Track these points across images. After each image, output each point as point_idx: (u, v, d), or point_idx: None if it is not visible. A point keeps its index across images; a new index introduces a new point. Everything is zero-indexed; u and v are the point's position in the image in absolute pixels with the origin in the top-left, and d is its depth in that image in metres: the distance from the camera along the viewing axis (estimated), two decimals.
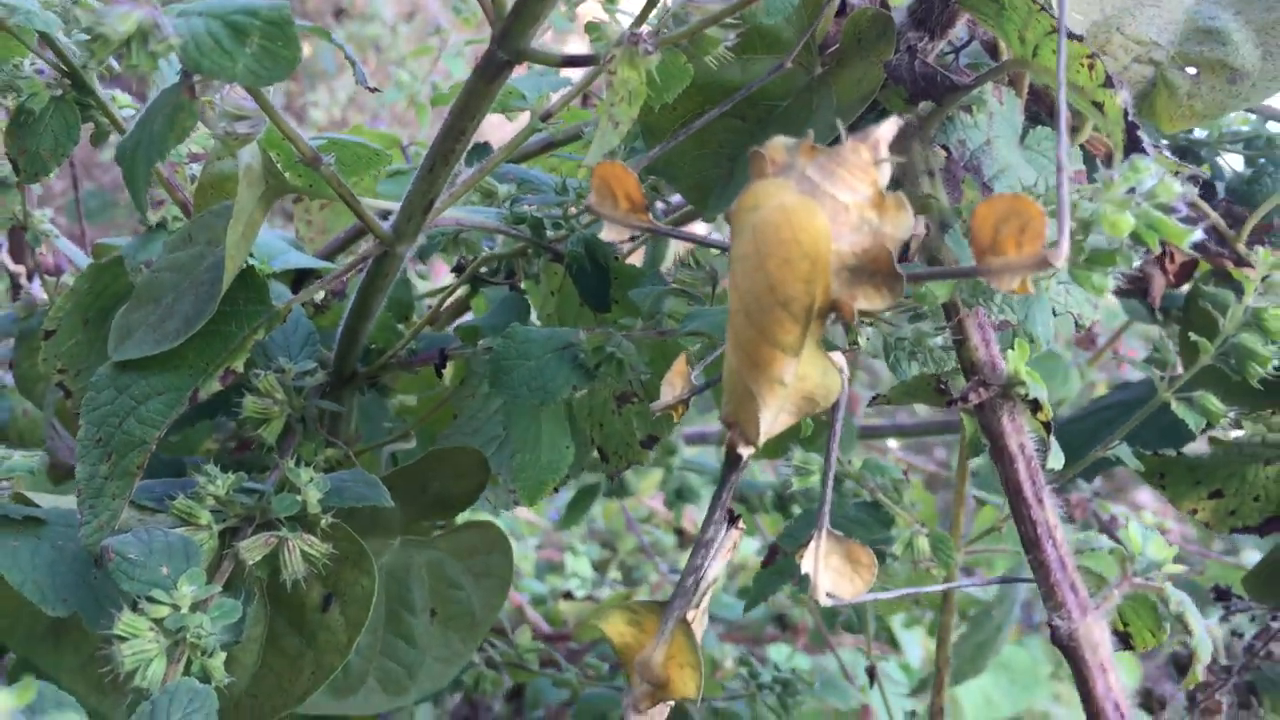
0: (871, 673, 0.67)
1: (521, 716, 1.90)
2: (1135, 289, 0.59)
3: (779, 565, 0.61)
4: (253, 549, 0.52)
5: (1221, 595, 0.77)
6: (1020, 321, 0.40)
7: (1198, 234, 0.33)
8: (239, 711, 0.59)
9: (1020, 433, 0.39)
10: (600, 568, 1.94)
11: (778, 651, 1.37)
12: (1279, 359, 0.53)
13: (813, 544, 0.36)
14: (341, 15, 3.58)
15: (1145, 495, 1.93)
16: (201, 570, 0.48)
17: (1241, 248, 0.57)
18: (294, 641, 0.59)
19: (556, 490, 0.72)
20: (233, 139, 0.44)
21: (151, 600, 0.46)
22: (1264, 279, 0.51)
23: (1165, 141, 0.61)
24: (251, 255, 0.64)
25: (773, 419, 0.34)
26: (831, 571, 0.36)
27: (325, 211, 0.86)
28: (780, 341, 0.32)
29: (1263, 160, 0.59)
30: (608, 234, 0.36)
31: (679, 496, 1.08)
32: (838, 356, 0.34)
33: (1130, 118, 0.36)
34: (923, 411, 1.54)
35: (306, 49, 3.14)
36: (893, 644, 1.63)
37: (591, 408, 0.61)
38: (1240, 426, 0.58)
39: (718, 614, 1.66)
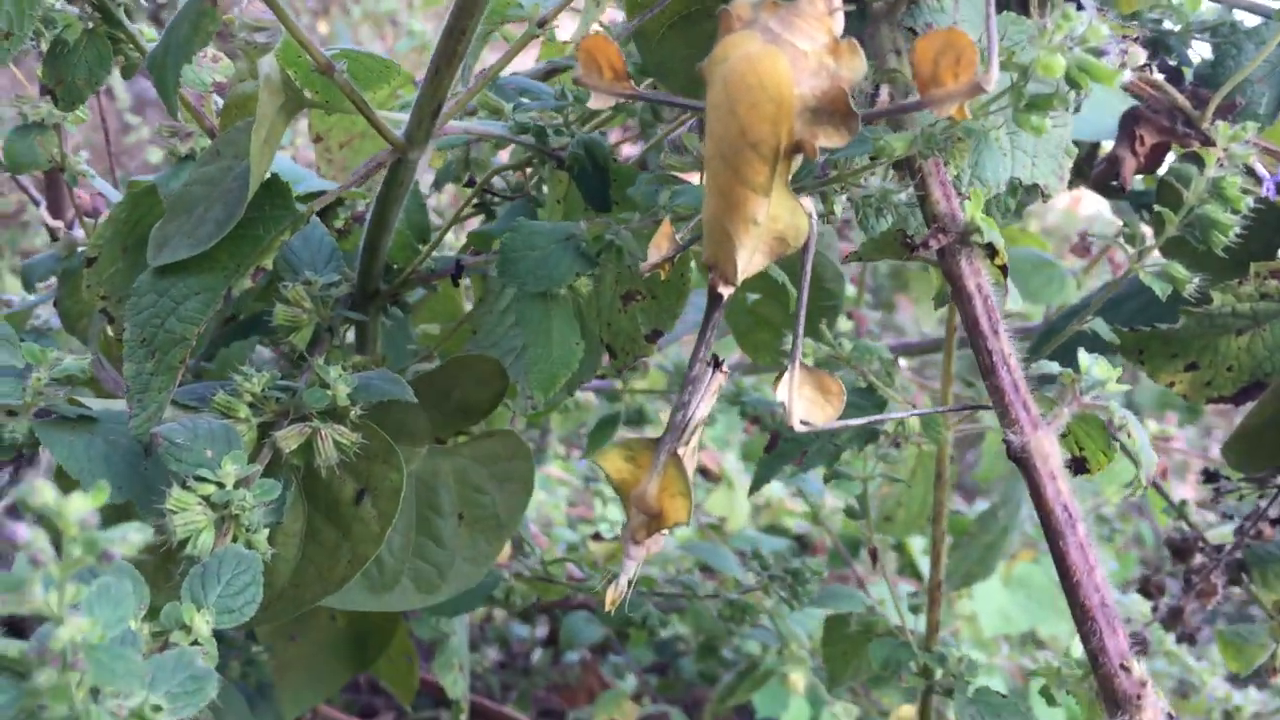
0: (874, 554, 0.71)
1: (559, 661, 1.95)
2: (1109, 174, 0.63)
3: (781, 450, 0.65)
4: (288, 438, 0.56)
5: (1210, 477, 0.80)
6: (972, 168, 0.44)
7: (1127, 75, 0.36)
8: (283, 601, 0.64)
9: (977, 274, 0.42)
10: None
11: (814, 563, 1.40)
12: (1240, 227, 0.56)
13: (787, 375, 0.40)
14: None
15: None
16: (243, 453, 0.53)
17: (1207, 127, 0.60)
18: (331, 534, 0.64)
19: (572, 392, 0.76)
20: (253, 48, 0.48)
21: (199, 479, 0.51)
22: (1224, 151, 0.55)
23: (1137, 32, 0.64)
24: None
25: (748, 258, 0.38)
26: (805, 400, 0.40)
27: (345, 150, 0.90)
28: (752, 182, 0.35)
29: (1227, 45, 0.62)
30: (595, 102, 0.40)
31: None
32: (806, 201, 0.38)
33: None
34: (928, 331, 1.58)
35: (324, 27, 3.18)
36: (914, 573, 1.66)
37: (600, 308, 0.65)
38: (1209, 299, 0.61)
39: (742, 548, 1.70)
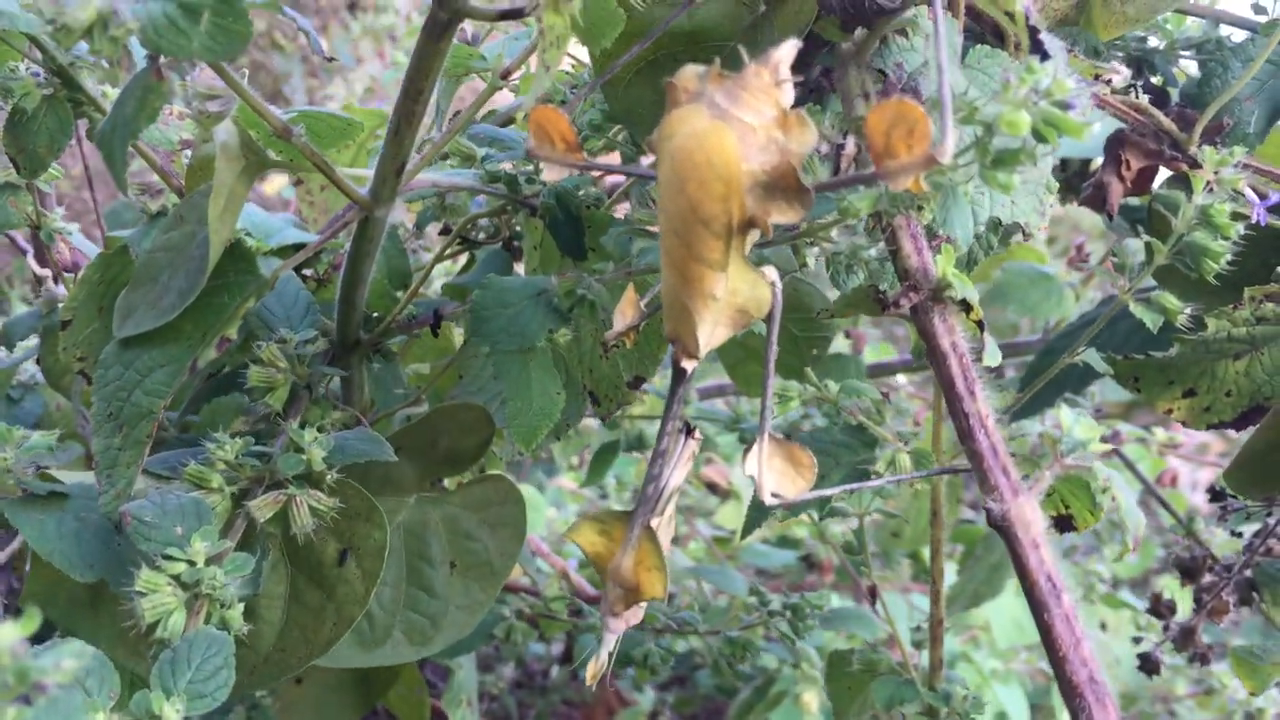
0: (873, 592, 0.69)
1: (575, 678, 1.93)
2: (1096, 199, 0.61)
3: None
4: (262, 506, 0.55)
5: (1217, 496, 0.78)
6: (940, 225, 0.42)
7: (1097, 128, 0.35)
8: (268, 665, 0.63)
9: (952, 332, 0.41)
10: None
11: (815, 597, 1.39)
12: (1231, 254, 0.54)
13: (755, 448, 0.38)
14: (355, 8, 3.62)
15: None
16: (214, 528, 0.52)
17: (1194, 150, 0.58)
18: (315, 595, 0.63)
19: (559, 438, 0.74)
20: (206, 117, 0.46)
21: (168, 558, 0.49)
22: (1212, 175, 0.53)
23: (1119, 53, 0.62)
24: (249, 235, 0.67)
25: (710, 332, 0.36)
26: (775, 473, 0.39)
27: (326, 193, 0.89)
28: (707, 258, 0.34)
29: (1213, 63, 0.60)
30: (549, 175, 0.39)
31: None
32: (769, 270, 0.36)
33: (1031, 22, 0.38)
34: None
35: (324, 43, 3.18)
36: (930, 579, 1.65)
37: (580, 355, 0.64)
38: (1204, 325, 0.59)
39: (751, 562, 1.69)
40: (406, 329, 0.70)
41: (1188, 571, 0.81)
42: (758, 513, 0.61)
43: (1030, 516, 0.36)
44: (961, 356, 0.40)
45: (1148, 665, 0.82)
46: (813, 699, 1.29)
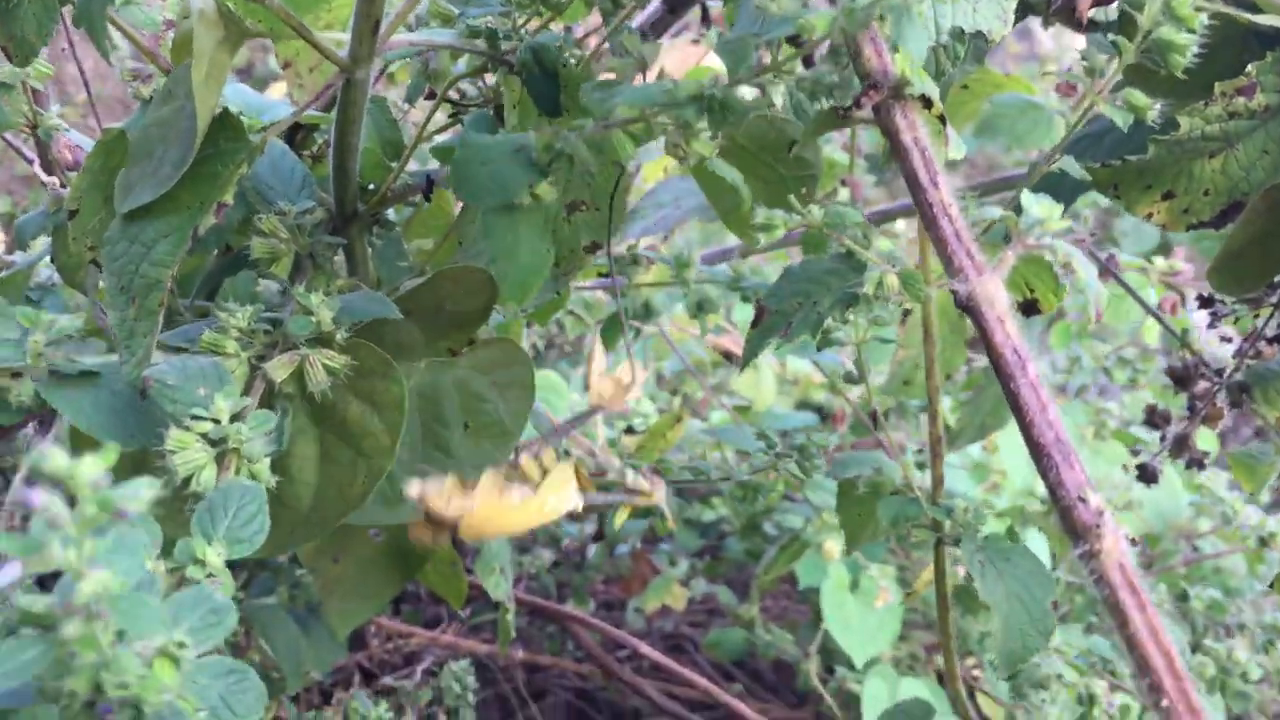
0: (874, 417, 0.72)
1: (613, 554, 1.98)
2: (1065, 10, 0.62)
3: (766, 324, 0.65)
4: (278, 367, 0.58)
5: (1206, 302, 0.80)
6: (896, 39, 0.43)
7: None
8: (309, 523, 0.66)
9: (914, 128, 0.42)
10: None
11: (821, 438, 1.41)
12: (1200, 47, 0.55)
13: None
14: None
15: None
16: (235, 388, 0.54)
17: None
18: (345, 453, 0.65)
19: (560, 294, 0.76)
20: None
21: (195, 417, 0.52)
22: None
23: None
24: (243, 115, 0.69)
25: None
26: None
27: (315, 74, 0.90)
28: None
29: None
30: None
31: (700, 309, 1.13)
32: None
33: None
34: None
35: None
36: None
37: (546, 217, 0.66)
38: (1178, 127, 0.60)
39: (772, 427, 1.72)
40: (402, 197, 0.72)
41: (1181, 379, 0.82)
42: (772, 319, 0.63)
43: (995, 294, 0.38)
44: (924, 150, 0.41)
45: (1146, 475, 0.85)
46: (834, 547, 1.33)
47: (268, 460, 0.53)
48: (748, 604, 1.73)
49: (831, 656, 1.58)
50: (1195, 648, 1.11)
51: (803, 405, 1.90)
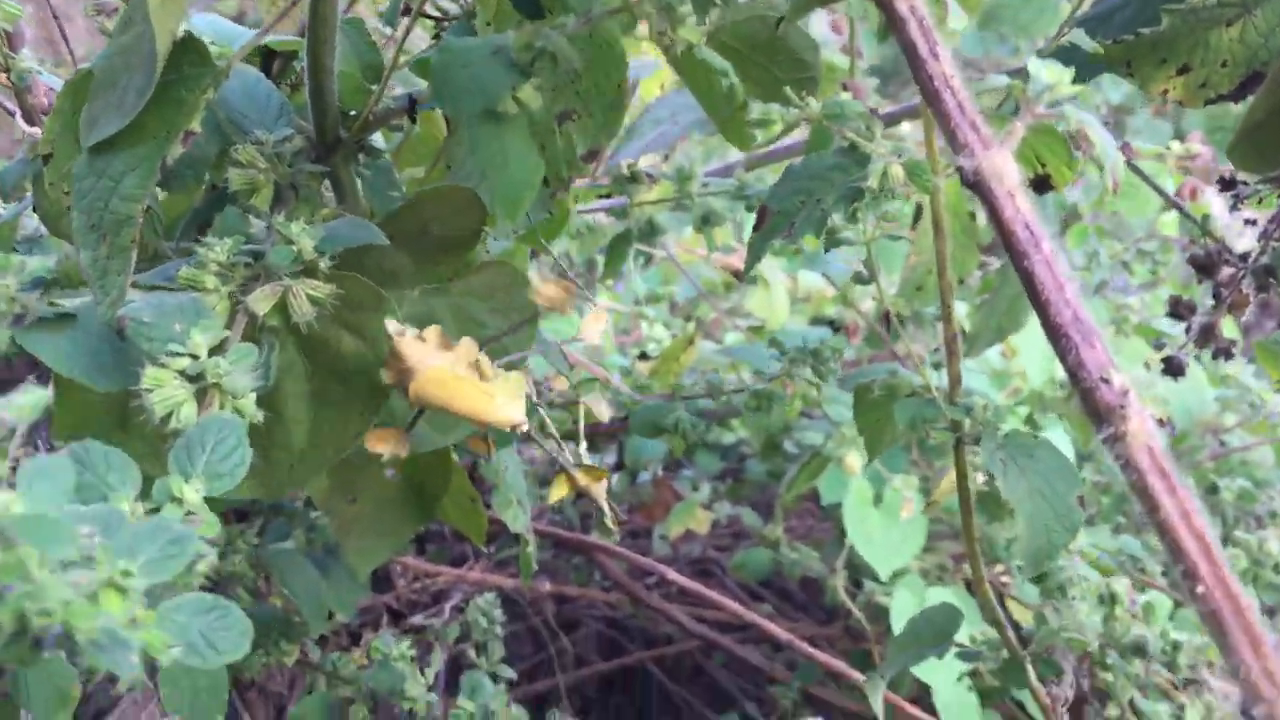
0: (887, 319, 0.69)
1: (635, 482, 1.98)
2: None
3: (769, 225, 0.63)
4: (260, 299, 0.55)
5: (1227, 185, 0.77)
6: None
7: None
8: (304, 462, 0.64)
9: None
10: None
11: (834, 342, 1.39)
12: None
13: None
14: None
15: None
16: (214, 322, 0.52)
17: None
18: (337, 389, 0.64)
19: (551, 211, 0.74)
20: None
21: (171, 354, 0.50)
22: None
23: None
24: (214, 44, 0.66)
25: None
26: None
27: None
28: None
29: None
30: None
31: (706, 222, 1.10)
32: None
33: None
34: None
35: None
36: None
37: (534, 127, 0.63)
38: None
39: (787, 344, 1.70)
40: (385, 121, 0.69)
41: (1204, 267, 0.80)
42: (775, 220, 0.60)
43: (1003, 168, 0.36)
44: (921, 20, 0.38)
45: (1172, 368, 0.82)
46: (855, 461, 1.31)
47: (253, 395, 0.51)
48: (771, 524, 1.72)
49: (859, 571, 1.57)
50: (1226, 540, 1.09)
51: (816, 321, 1.88)
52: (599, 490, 0.65)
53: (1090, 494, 1.57)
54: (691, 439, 0.92)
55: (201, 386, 0.50)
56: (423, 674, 1.18)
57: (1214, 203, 1.19)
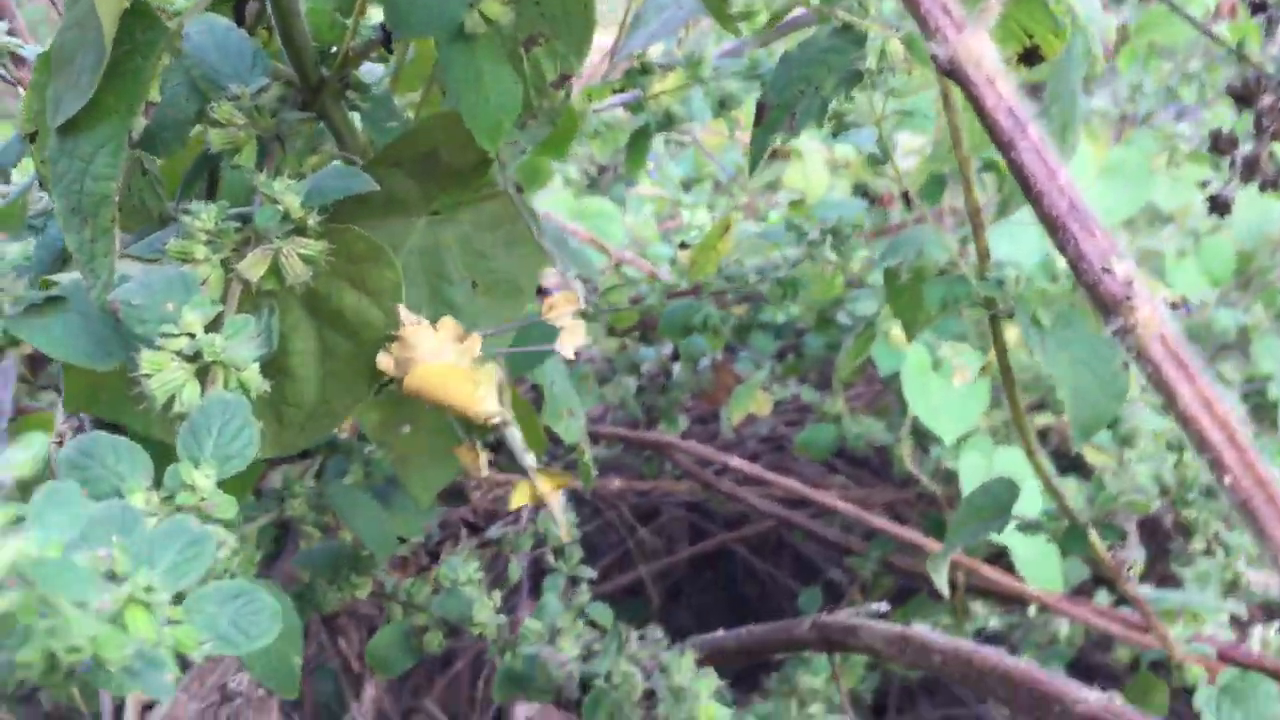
0: (906, 197, 0.66)
1: (698, 370, 1.97)
2: None
3: (768, 120, 0.60)
4: (250, 266, 0.54)
5: (1259, 7, 0.72)
6: None
7: None
8: (317, 418, 0.64)
9: None
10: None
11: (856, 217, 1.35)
12: None
13: None
14: None
15: None
16: (205, 297, 0.51)
17: None
18: (344, 345, 0.63)
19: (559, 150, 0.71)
20: None
21: (166, 335, 0.49)
22: None
23: None
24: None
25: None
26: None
27: None
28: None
29: None
30: None
31: (723, 106, 1.06)
32: None
33: None
34: None
35: None
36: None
37: (506, 46, 0.60)
38: None
39: (827, 217, 1.66)
40: (365, 54, 0.67)
41: (1243, 97, 0.75)
42: (773, 114, 0.58)
43: (980, 51, 0.33)
44: None
45: (1218, 206, 0.78)
46: (900, 331, 1.28)
47: (256, 365, 0.50)
48: (832, 399, 1.70)
49: (926, 436, 1.55)
50: None
51: (858, 190, 1.84)
52: (555, 501, 0.66)
53: None
54: (724, 334, 0.90)
55: (201, 365, 0.49)
56: (500, 587, 1.19)
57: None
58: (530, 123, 0.61)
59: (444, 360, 0.60)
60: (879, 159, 0.66)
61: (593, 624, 1.67)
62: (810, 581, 2.02)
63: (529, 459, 0.65)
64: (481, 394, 0.62)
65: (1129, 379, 0.62)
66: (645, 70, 1.06)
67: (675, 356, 2.03)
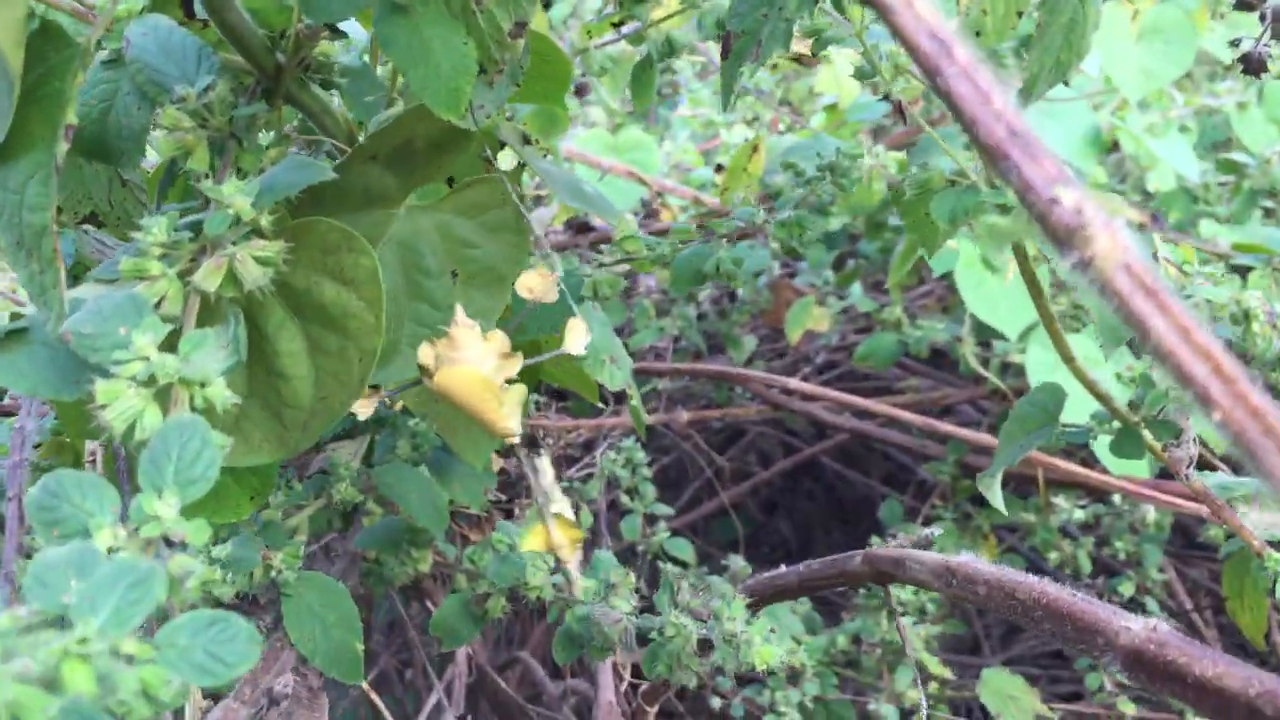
0: (899, 108, 0.62)
1: (759, 289, 1.93)
2: None
3: (736, 50, 0.56)
4: (205, 277, 0.52)
5: None
6: None
7: None
8: (316, 416, 0.62)
9: None
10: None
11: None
12: None
13: None
14: None
15: None
16: (155, 318, 0.49)
17: None
18: (332, 339, 0.61)
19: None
20: None
21: (118, 362, 0.47)
22: None
23: None
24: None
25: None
26: None
27: None
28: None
29: None
30: None
31: (720, 26, 1.01)
32: None
33: None
34: None
35: None
36: None
37: (451, 7, 0.57)
38: None
39: (858, 119, 1.60)
40: (315, 36, 0.64)
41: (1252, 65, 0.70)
42: (740, 43, 0.54)
43: None
44: None
45: (1251, 66, 0.73)
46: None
47: (221, 380, 0.48)
48: (890, 306, 1.66)
49: (988, 332, 1.51)
50: None
51: (883, 94, 1.77)
52: (568, 553, 0.64)
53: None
54: (737, 277, 0.86)
55: (160, 388, 0.47)
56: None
57: None
58: (496, 78, 0.57)
59: (484, 370, 0.60)
60: (866, 73, 0.61)
61: (675, 560, 1.66)
62: (902, 484, 2.00)
63: (554, 505, 0.64)
64: (506, 411, 0.62)
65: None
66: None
67: (730, 297, 1.99)
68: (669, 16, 1.06)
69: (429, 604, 1.45)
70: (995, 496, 0.75)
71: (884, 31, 1.12)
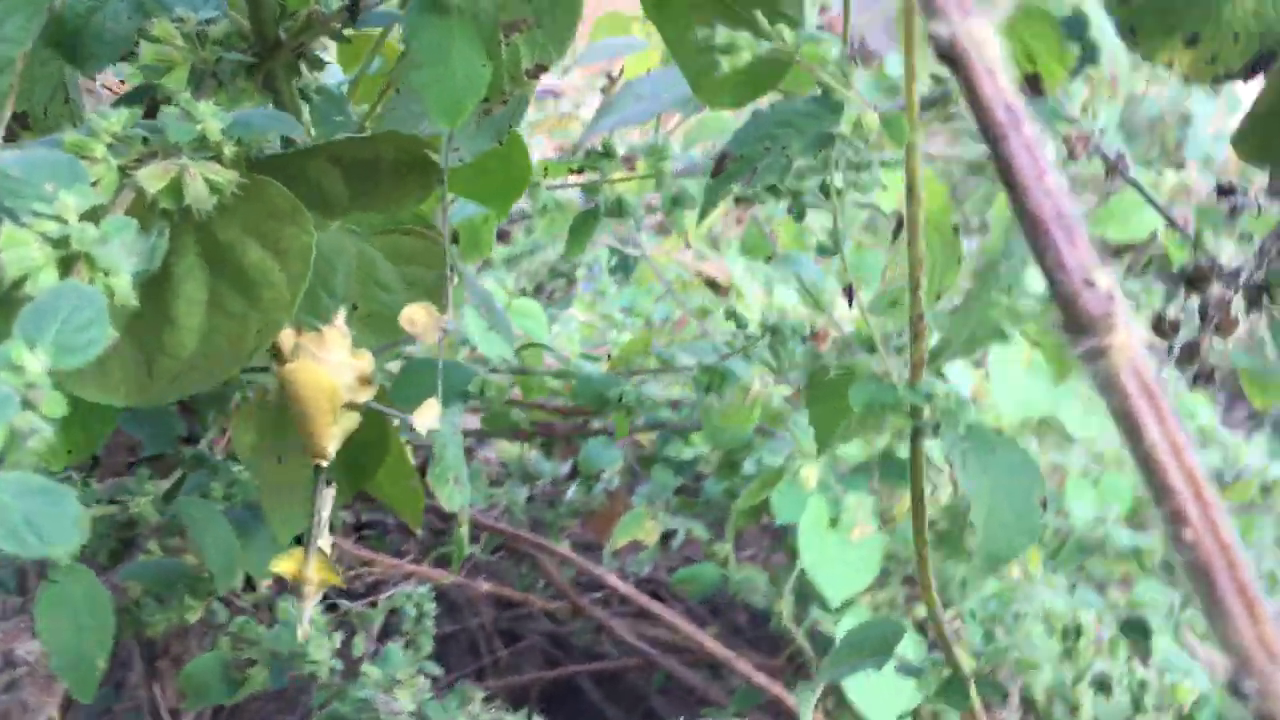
0: (849, 292, 0.64)
1: (591, 491, 1.91)
2: None
3: (728, 171, 0.57)
4: (150, 176, 0.49)
5: (1225, 191, 0.72)
6: None
7: None
8: (195, 371, 0.58)
9: None
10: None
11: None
12: None
13: None
14: None
15: None
16: (90, 187, 0.46)
17: None
18: (238, 302, 0.58)
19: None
20: None
21: (36, 214, 0.44)
22: None
23: None
24: None
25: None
26: None
27: None
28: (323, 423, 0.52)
29: None
30: None
31: (675, 204, 1.04)
32: None
33: None
34: None
35: None
36: None
37: (482, 29, 0.57)
38: None
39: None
40: (328, 24, 0.64)
41: (1193, 281, 0.75)
42: (735, 166, 0.55)
43: (983, 38, 0.30)
44: None
45: None
46: (811, 473, 1.26)
47: (128, 276, 0.45)
48: (722, 541, 1.66)
49: (808, 600, 1.51)
50: None
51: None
52: (311, 591, 0.63)
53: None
54: (636, 414, 0.86)
55: (67, 254, 0.44)
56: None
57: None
58: (496, 108, 0.57)
59: (338, 380, 0.58)
60: (828, 249, 0.63)
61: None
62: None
63: (322, 539, 0.63)
64: (332, 433, 0.61)
65: (1040, 517, 0.59)
66: (609, 154, 1.04)
67: (572, 476, 1.97)
68: (629, 179, 1.08)
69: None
70: (807, 712, 0.74)
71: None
